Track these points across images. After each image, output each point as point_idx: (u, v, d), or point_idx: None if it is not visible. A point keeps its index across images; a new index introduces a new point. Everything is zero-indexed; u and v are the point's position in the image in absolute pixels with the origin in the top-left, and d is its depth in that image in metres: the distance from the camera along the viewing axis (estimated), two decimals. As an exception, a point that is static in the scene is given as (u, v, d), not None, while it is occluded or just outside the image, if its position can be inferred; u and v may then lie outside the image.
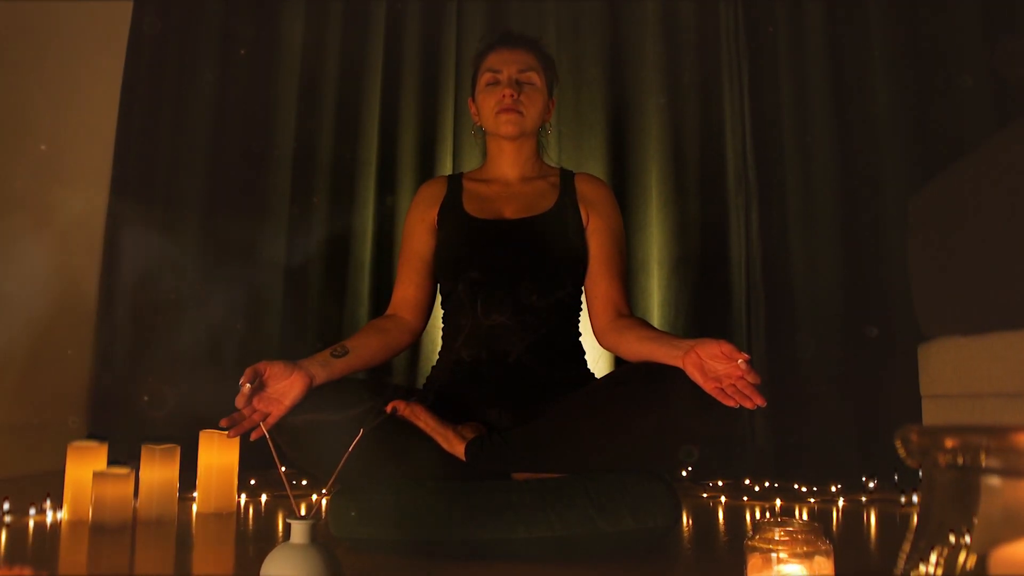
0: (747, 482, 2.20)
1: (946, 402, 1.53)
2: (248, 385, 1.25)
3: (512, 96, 1.53)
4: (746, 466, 2.31)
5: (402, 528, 1.26)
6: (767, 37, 2.57)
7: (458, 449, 1.32)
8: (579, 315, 1.59)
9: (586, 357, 1.59)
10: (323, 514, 1.38)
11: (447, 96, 2.73)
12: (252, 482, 2.12)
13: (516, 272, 1.48)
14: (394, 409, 1.35)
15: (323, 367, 1.35)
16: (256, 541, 1.52)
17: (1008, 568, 0.38)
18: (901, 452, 0.42)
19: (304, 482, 2.19)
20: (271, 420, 1.29)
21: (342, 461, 1.05)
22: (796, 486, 2.14)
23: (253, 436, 1.27)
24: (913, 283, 1.65)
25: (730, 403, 1.17)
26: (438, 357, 1.60)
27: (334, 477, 1.06)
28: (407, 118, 2.73)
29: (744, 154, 2.54)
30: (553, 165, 1.71)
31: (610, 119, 2.64)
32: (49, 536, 1.52)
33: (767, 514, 1.82)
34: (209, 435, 1.78)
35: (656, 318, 2.49)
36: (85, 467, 1.65)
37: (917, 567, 0.40)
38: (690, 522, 1.70)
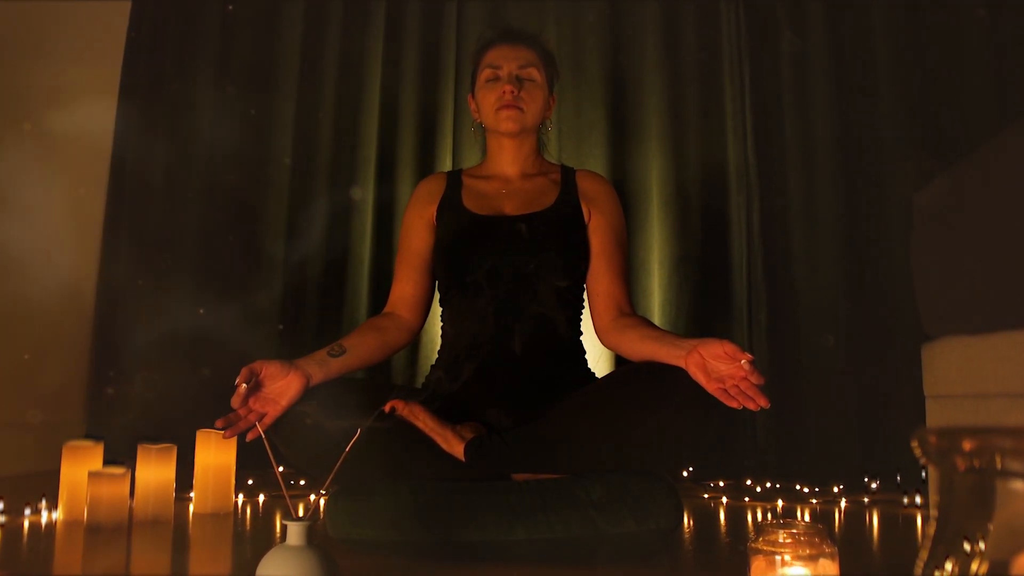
0: (748, 482, 2.19)
1: (950, 402, 1.51)
2: (244, 385, 1.24)
3: (512, 92, 1.52)
4: (747, 466, 2.30)
5: (400, 529, 1.24)
6: (769, 35, 2.56)
7: (457, 449, 1.30)
8: (581, 314, 1.57)
9: (586, 356, 1.57)
10: (321, 515, 1.36)
11: (447, 93, 2.71)
12: (250, 482, 2.11)
13: (516, 270, 1.47)
14: (392, 409, 1.33)
15: (320, 366, 1.33)
16: (253, 542, 1.50)
17: (1031, 576, 0.36)
18: (918, 454, 0.40)
19: (302, 482, 2.17)
20: (267, 420, 1.28)
21: (339, 461, 1.03)
22: (798, 487, 2.12)
23: (249, 437, 1.26)
24: (916, 281, 1.63)
25: (733, 404, 1.15)
26: (437, 356, 1.58)
27: (331, 477, 1.05)
28: (406, 115, 2.71)
29: (745, 152, 2.52)
30: (554, 162, 1.69)
31: (610, 117, 2.62)
32: (44, 536, 1.51)
33: (769, 515, 1.81)
34: (206, 434, 1.77)
35: (657, 318, 2.48)
36: (81, 467, 1.63)
37: (933, 575, 0.39)
38: (691, 523, 1.68)
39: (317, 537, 0.97)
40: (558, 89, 1.70)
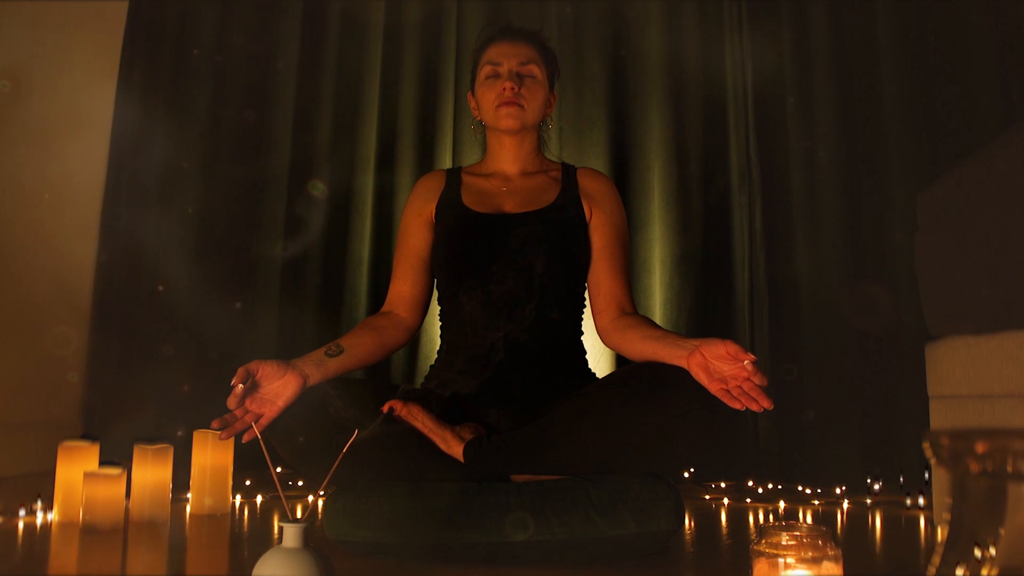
0: (750, 484, 2.17)
1: (955, 403, 1.49)
2: (240, 385, 1.22)
3: (513, 89, 1.50)
4: (749, 467, 2.28)
5: (398, 531, 1.23)
6: (771, 32, 2.54)
7: (456, 450, 1.29)
8: (582, 313, 1.55)
9: (587, 356, 1.56)
10: (318, 516, 1.35)
11: (446, 91, 2.70)
12: (247, 483, 2.09)
13: (516, 268, 1.45)
14: (390, 409, 1.32)
15: (317, 367, 1.32)
16: (251, 543, 1.49)
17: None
18: (929, 456, 0.39)
19: (300, 483, 2.16)
20: (264, 421, 1.26)
21: (336, 462, 1.02)
22: (800, 488, 2.11)
23: (246, 438, 1.25)
24: (921, 280, 1.62)
25: (736, 405, 1.14)
26: (436, 356, 1.57)
27: (328, 479, 1.04)
28: (406, 113, 2.70)
29: (747, 151, 2.51)
30: (554, 160, 1.68)
31: (612, 115, 2.61)
32: (39, 538, 1.49)
33: (771, 516, 1.80)
34: (203, 435, 1.75)
35: (658, 317, 2.46)
36: (76, 467, 1.62)
37: (945, 582, 0.37)
38: (693, 525, 1.67)
39: (314, 539, 0.96)
40: (559, 86, 1.68)
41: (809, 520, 1.75)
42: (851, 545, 1.48)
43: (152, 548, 1.45)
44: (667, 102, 2.58)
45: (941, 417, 1.55)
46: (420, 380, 2.23)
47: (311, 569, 0.91)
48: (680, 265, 2.50)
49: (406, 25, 2.74)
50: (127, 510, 1.63)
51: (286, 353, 1.34)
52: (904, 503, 1.89)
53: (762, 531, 0.99)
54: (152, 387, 2.45)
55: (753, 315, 2.44)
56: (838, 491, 2.02)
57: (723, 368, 1.17)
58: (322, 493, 1.07)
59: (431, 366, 1.56)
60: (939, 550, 0.38)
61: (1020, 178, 1.32)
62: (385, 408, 1.32)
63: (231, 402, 1.24)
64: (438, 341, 1.58)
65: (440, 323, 1.57)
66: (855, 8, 2.49)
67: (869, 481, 2.03)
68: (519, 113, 1.51)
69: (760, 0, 2.56)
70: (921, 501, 1.86)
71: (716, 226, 2.52)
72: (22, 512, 1.65)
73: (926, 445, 0.38)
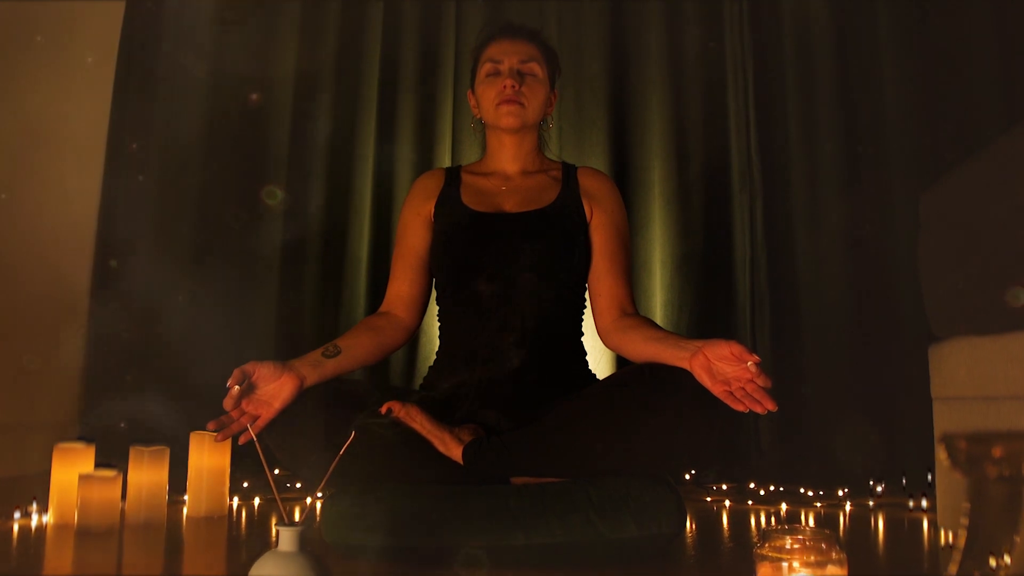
0: (752, 486, 2.15)
1: (959, 404, 1.48)
2: (236, 387, 1.21)
3: (513, 87, 1.49)
4: (751, 469, 2.27)
5: (396, 534, 1.21)
6: (772, 31, 2.53)
7: (455, 452, 1.27)
8: (582, 314, 1.54)
9: (587, 357, 1.54)
10: (316, 519, 1.33)
11: (446, 90, 2.68)
12: (245, 485, 2.07)
13: (516, 268, 1.43)
14: (388, 410, 1.30)
15: (314, 368, 1.30)
16: (248, 546, 1.47)
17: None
18: (944, 460, 0.37)
19: (298, 485, 2.14)
20: (260, 423, 1.25)
21: (333, 464, 1.01)
22: (802, 490, 2.09)
23: (242, 440, 1.23)
24: (924, 281, 1.60)
25: (740, 407, 1.12)
26: (435, 357, 1.55)
27: (324, 481, 1.02)
28: (405, 112, 2.69)
29: (748, 151, 2.50)
30: (555, 159, 1.66)
31: (612, 116, 2.59)
32: (34, 540, 1.48)
33: (772, 519, 1.78)
34: (200, 436, 1.74)
35: (659, 318, 2.45)
36: (71, 469, 1.60)
37: (962, 591, 0.36)
38: (694, 527, 1.65)
39: (311, 542, 0.94)
40: (559, 86, 1.67)
41: (812, 523, 1.73)
42: (854, 548, 1.46)
43: (148, 551, 1.43)
44: (667, 102, 2.57)
45: (945, 419, 1.54)
46: (419, 381, 2.21)
47: (307, 573, 0.90)
48: (681, 266, 2.49)
49: (405, 25, 2.73)
50: (123, 512, 1.61)
51: (285, 354, 1.32)
52: (907, 505, 1.88)
53: (765, 535, 0.97)
54: (149, 389, 2.43)
55: (754, 316, 2.43)
56: (840, 493, 2.00)
57: (726, 369, 1.16)
58: (320, 495, 1.06)
59: (430, 367, 1.55)
60: (956, 557, 0.37)
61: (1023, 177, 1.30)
62: (383, 409, 1.30)
63: (227, 403, 1.22)
64: (437, 342, 1.57)
65: (439, 323, 1.55)
66: (856, 7, 2.48)
67: (872, 483, 2.02)
68: (519, 111, 1.50)
69: (761, 1, 2.55)
70: (924, 503, 1.84)
71: (717, 226, 2.50)
72: (17, 514, 1.63)
73: (940, 448, 0.37)
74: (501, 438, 1.28)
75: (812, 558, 0.95)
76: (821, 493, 2.05)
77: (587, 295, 1.54)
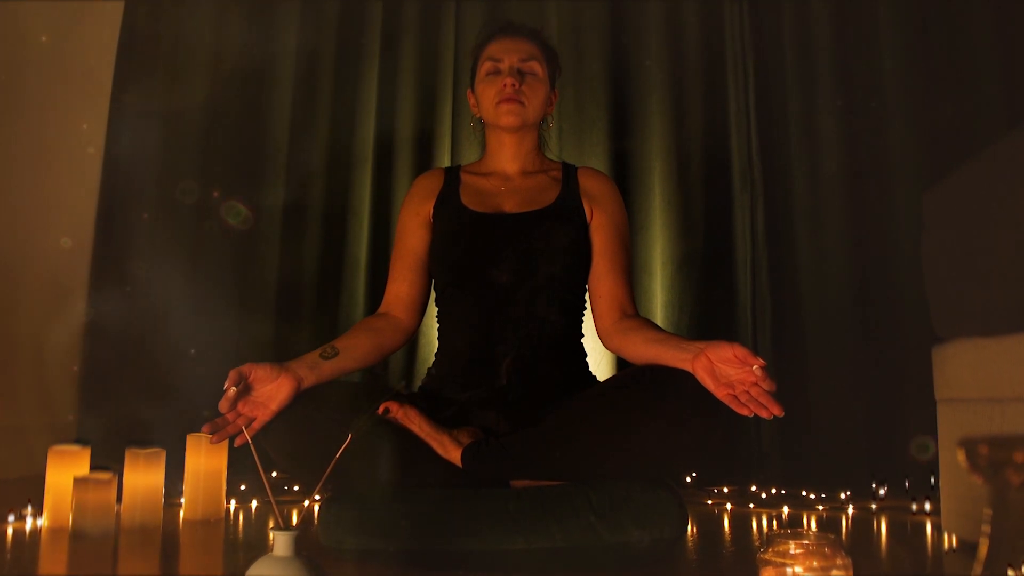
0: (753, 488, 2.14)
1: (963, 406, 1.47)
2: (233, 388, 1.19)
3: (513, 85, 1.47)
4: (752, 472, 2.25)
5: (394, 538, 1.20)
6: (773, 31, 2.52)
7: (454, 455, 1.26)
8: (582, 315, 1.52)
9: (588, 359, 1.53)
10: (314, 522, 1.32)
11: (445, 90, 2.67)
12: (242, 487, 2.06)
13: (516, 269, 1.42)
14: (386, 412, 1.29)
15: (311, 369, 1.29)
16: (245, 549, 1.46)
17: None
18: (964, 465, 0.36)
19: (296, 487, 2.13)
20: (257, 425, 1.23)
21: (329, 467, 0.99)
22: (804, 493, 2.08)
23: (237, 442, 1.22)
24: (927, 282, 1.59)
25: (744, 412, 1.11)
26: (434, 358, 1.54)
27: (320, 484, 1.01)
28: (404, 113, 2.67)
29: (749, 150, 2.48)
30: (555, 159, 1.65)
31: (612, 116, 2.58)
32: (28, 544, 1.46)
33: (774, 522, 1.76)
34: (197, 439, 1.72)
35: (659, 319, 2.43)
36: (67, 472, 1.59)
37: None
38: (695, 531, 1.64)
39: (308, 546, 0.93)
40: (559, 85, 1.65)
41: (814, 526, 1.71)
42: (857, 551, 1.44)
43: (143, 554, 1.42)
44: (668, 102, 2.56)
45: (949, 421, 1.52)
46: (418, 383, 2.20)
47: (303, 578, 0.88)
48: (682, 267, 2.48)
49: (405, 25, 2.71)
50: (118, 515, 1.60)
51: (283, 356, 1.31)
52: (910, 508, 1.86)
53: (769, 539, 0.96)
54: (147, 391, 2.42)
55: (755, 317, 2.42)
56: (842, 496, 1.99)
57: (729, 372, 1.14)
58: (317, 498, 1.04)
59: (429, 369, 1.53)
60: (976, 568, 0.35)
61: (1031, 177, 1.29)
62: (381, 411, 1.29)
63: (223, 405, 1.21)
64: (436, 343, 1.55)
65: (438, 325, 1.54)
66: (858, 7, 2.47)
67: (874, 486, 2.00)
68: (520, 110, 1.49)
69: (762, 0, 2.54)
70: (928, 506, 1.83)
71: (718, 227, 2.49)
72: (11, 517, 1.62)
73: (960, 453, 0.35)
74: (500, 440, 1.27)
75: (816, 563, 0.94)
76: (823, 496, 2.04)
77: (587, 296, 1.53)
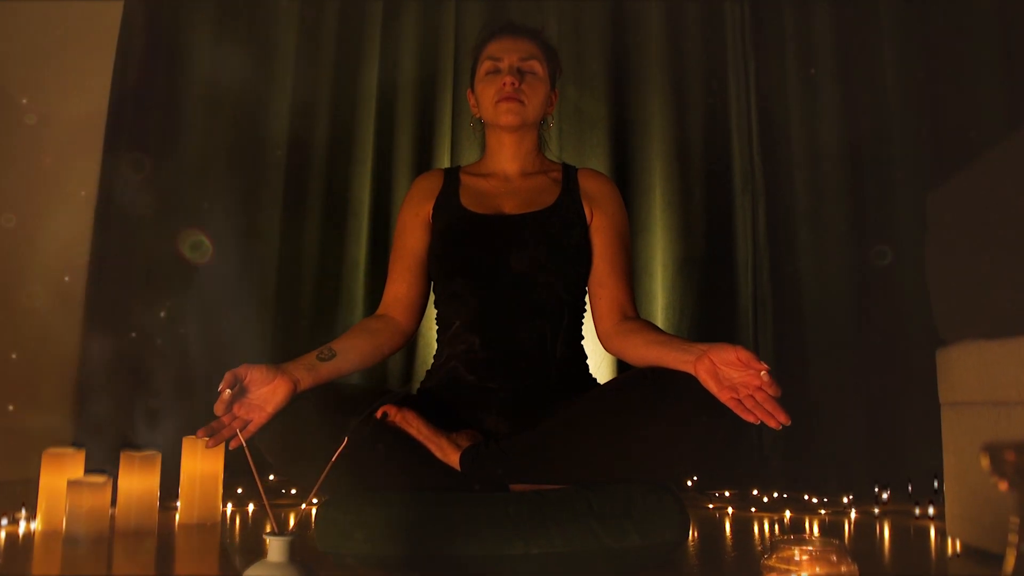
0: (755, 492, 2.12)
1: (968, 410, 1.45)
2: (228, 391, 1.17)
3: (513, 84, 1.46)
4: (753, 476, 2.23)
5: (392, 543, 1.18)
6: (774, 32, 2.51)
7: (452, 458, 1.24)
8: (582, 317, 1.51)
9: (588, 362, 1.51)
10: (311, 527, 1.30)
11: (445, 92, 2.66)
12: (239, 491, 2.04)
13: (515, 271, 1.40)
14: (384, 415, 1.27)
15: (308, 371, 1.27)
16: (242, 553, 1.44)
17: None
18: (987, 470, 0.34)
19: (293, 491, 2.11)
20: (252, 427, 1.21)
21: (325, 471, 0.98)
22: (806, 497, 2.06)
23: (232, 445, 1.20)
24: (931, 284, 1.57)
25: (750, 418, 1.09)
26: (433, 360, 1.52)
27: (316, 488, 0.99)
28: (404, 114, 2.66)
29: (750, 152, 2.47)
30: (555, 160, 1.63)
31: (612, 117, 2.57)
32: (21, 548, 1.44)
33: (776, 527, 1.75)
34: (193, 442, 1.71)
35: (660, 322, 2.42)
36: (61, 475, 1.57)
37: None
38: (697, 536, 1.62)
39: (305, 550, 0.91)
40: (560, 85, 1.64)
41: (816, 530, 1.70)
42: (860, 556, 1.43)
43: (137, 559, 1.40)
44: (669, 102, 2.55)
45: (954, 425, 1.51)
46: (417, 385, 2.19)
47: (298, 585, 0.86)
48: (682, 268, 2.46)
49: (404, 25, 2.70)
50: (112, 519, 1.58)
51: (281, 359, 1.29)
52: (913, 512, 1.84)
53: (773, 545, 0.94)
54: (144, 393, 2.40)
55: (757, 319, 2.40)
56: (845, 500, 1.97)
57: (733, 375, 1.12)
58: (315, 502, 1.03)
59: (427, 371, 1.52)
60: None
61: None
62: (379, 413, 1.27)
63: (218, 408, 1.19)
64: (435, 345, 1.53)
65: (436, 326, 1.52)
66: (858, 9, 2.45)
67: (877, 490, 1.99)
68: (519, 109, 1.47)
69: (763, 1, 2.53)
70: (931, 510, 1.81)
71: (719, 229, 2.48)
72: (4, 521, 1.60)
73: (985, 459, 0.33)
74: (500, 444, 1.25)
75: (821, 570, 0.92)
76: (825, 500, 2.02)
77: (587, 298, 1.51)
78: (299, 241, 2.61)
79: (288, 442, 1.24)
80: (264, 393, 1.22)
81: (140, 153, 2.61)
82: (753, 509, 1.96)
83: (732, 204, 2.48)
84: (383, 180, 2.64)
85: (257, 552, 1.44)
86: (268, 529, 0.91)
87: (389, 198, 2.62)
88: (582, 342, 1.51)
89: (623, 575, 1.19)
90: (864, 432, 2.23)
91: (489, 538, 1.17)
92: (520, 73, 1.48)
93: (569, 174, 1.56)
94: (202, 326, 2.43)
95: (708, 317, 2.42)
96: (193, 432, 1.59)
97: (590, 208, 1.51)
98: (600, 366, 2.26)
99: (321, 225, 2.62)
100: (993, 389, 1.36)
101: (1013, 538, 0.34)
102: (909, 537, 1.64)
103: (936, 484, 1.92)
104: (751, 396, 1.10)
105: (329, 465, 0.98)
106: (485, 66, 1.51)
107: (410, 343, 2.36)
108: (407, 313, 1.49)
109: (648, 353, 1.29)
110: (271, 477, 2.20)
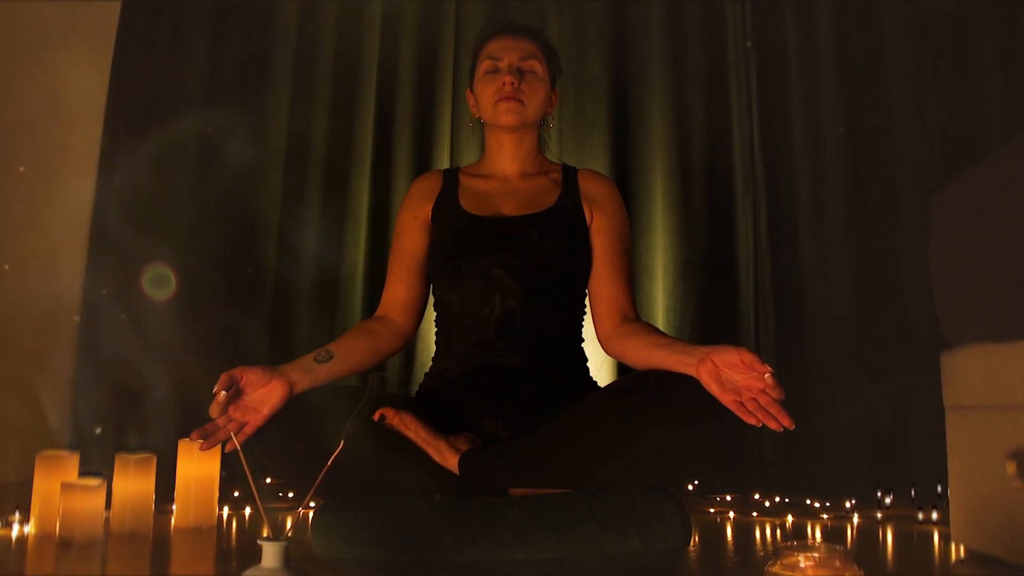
0: (756, 497, 2.10)
1: (973, 414, 1.43)
2: (223, 393, 1.16)
3: (513, 84, 1.45)
4: (755, 480, 2.21)
5: (389, 547, 1.16)
6: (775, 33, 2.50)
7: (451, 462, 1.23)
8: (582, 319, 1.49)
9: (588, 364, 1.50)
10: (307, 531, 1.28)
11: (444, 92, 2.64)
12: (236, 494, 2.02)
13: (514, 273, 1.39)
14: (382, 417, 1.26)
15: (305, 373, 1.25)
16: (238, 557, 1.43)
17: None
18: (1014, 477, 0.32)
19: (290, 494, 2.09)
20: (248, 430, 1.20)
21: (321, 474, 0.96)
22: (808, 501, 2.05)
23: (228, 448, 1.18)
24: (935, 286, 1.56)
25: (752, 421, 1.07)
26: (432, 362, 1.50)
27: (312, 491, 0.97)
28: (403, 115, 2.65)
29: (752, 153, 2.46)
30: (555, 161, 1.62)
31: (613, 118, 2.56)
32: (15, 551, 1.43)
33: (778, 532, 1.73)
34: (188, 444, 1.69)
35: (661, 324, 2.40)
36: (55, 478, 1.55)
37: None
38: (698, 541, 1.60)
39: (302, 555, 0.90)
40: (560, 86, 1.62)
41: (819, 535, 1.68)
42: (862, 562, 1.41)
43: (131, 562, 1.39)
44: (669, 103, 2.54)
45: (958, 428, 1.49)
46: (416, 387, 2.17)
47: (292, 591, 0.85)
48: (683, 270, 2.45)
49: (404, 24, 2.69)
50: (107, 522, 1.56)
51: (279, 361, 1.27)
52: (917, 517, 1.83)
53: (777, 551, 0.93)
54: (140, 396, 2.39)
55: (758, 322, 2.39)
56: (847, 505, 1.95)
57: (735, 378, 1.11)
58: (312, 506, 1.01)
59: (426, 373, 1.50)
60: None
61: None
62: (376, 416, 1.26)
63: (213, 410, 1.17)
64: (434, 347, 1.52)
65: (436, 328, 1.51)
66: (860, 9, 2.44)
67: (880, 494, 1.97)
68: (519, 108, 1.46)
69: (764, 1, 2.52)
70: (935, 515, 1.79)
71: (720, 230, 2.46)
72: (-2, 524, 1.59)
73: (1011, 465, 0.32)
74: (499, 447, 1.23)
75: (826, 576, 0.91)
76: (827, 504, 2.00)
77: (587, 300, 1.50)
78: (297, 241, 2.60)
79: (284, 445, 1.23)
80: (260, 395, 1.21)
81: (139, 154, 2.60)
82: (755, 514, 1.94)
83: (733, 206, 2.47)
84: (382, 181, 2.62)
85: (252, 556, 1.42)
86: (264, 534, 0.90)
87: (388, 199, 2.61)
88: (582, 345, 1.49)
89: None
90: (867, 436, 2.21)
91: (488, 543, 1.15)
92: (520, 73, 1.47)
93: (569, 175, 1.55)
94: (199, 327, 2.42)
95: (709, 319, 2.41)
96: (188, 434, 1.59)
97: (590, 209, 1.49)
98: (601, 369, 2.24)
99: (320, 224, 2.61)
100: (999, 393, 1.35)
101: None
102: (912, 542, 1.62)
103: (940, 489, 1.91)
104: (754, 399, 1.08)
105: (325, 469, 0.96)
106: (484, 66, 1.50)
107: (409, 345, 2.34)
108: (406, 315, 1.48)
109: (649, 355, 1.27)
110: (268, 480, 2.19)
